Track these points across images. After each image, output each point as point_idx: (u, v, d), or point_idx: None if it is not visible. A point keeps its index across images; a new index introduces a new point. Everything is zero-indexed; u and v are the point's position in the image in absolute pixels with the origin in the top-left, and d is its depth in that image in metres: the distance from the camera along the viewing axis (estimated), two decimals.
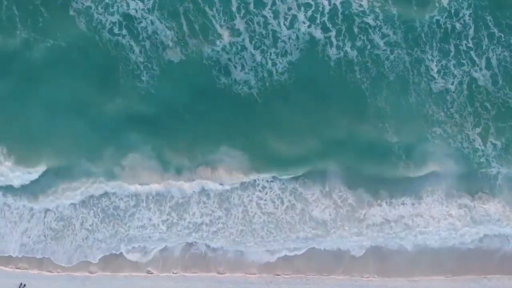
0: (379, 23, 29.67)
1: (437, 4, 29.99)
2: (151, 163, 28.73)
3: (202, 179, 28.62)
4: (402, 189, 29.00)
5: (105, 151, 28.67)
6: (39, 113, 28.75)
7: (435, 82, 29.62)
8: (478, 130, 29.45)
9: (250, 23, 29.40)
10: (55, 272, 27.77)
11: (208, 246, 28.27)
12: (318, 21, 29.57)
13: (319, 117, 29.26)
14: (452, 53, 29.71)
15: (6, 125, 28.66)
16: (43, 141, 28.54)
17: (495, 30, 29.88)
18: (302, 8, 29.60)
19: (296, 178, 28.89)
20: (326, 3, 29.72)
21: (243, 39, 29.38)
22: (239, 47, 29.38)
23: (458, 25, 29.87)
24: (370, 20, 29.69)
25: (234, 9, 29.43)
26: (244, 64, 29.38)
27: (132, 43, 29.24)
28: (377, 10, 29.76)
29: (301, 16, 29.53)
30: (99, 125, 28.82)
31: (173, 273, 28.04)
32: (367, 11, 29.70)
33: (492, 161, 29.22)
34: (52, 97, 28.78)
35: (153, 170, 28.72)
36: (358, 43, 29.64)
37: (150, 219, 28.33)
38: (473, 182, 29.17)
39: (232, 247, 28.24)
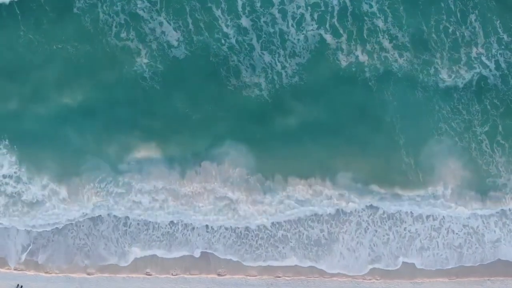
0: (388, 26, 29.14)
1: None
2: (156, 160, 28.23)
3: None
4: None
5: (110, 148, 28.17)
6: (41, 111, 28.26)
7: (443, 81, 29.01)
8: (486, 128, 28.85)
9: (257, 21, 28.89)
10: (52, 273, 27.41)
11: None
12: (328, 23, 29.00)
13: (329, 119, 28.75)
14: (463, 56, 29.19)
15: (9, 125, 28.22)
16: (47, 143, 28.04)
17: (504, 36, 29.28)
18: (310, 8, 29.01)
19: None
20: (335, 2, 29.06)
21: (251, 38, 28.88)
22: (248, 47, 28.83)
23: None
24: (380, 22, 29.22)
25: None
26: (254, 65, 28.79)
27: (137, 43, 28.76)
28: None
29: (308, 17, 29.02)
30: (102, 122, 28.32)
31: (172, 274, 27.66)
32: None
33: (501, 168, 28.59)
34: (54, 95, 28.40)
35: (158, 167, 28.19)
36: (368, 46, 29.02)
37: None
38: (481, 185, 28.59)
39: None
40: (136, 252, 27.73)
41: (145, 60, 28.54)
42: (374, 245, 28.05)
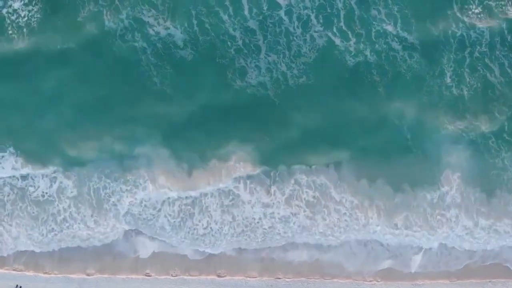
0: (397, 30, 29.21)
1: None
2: (163, 158, 28.17)
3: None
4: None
5: (117, 147, 28.10)
6: (47, 114, 28.18)
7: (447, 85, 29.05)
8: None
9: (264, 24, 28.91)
10: (52, 274, 27.25)
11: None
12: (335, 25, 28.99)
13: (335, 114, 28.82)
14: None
15: (12, 127, 28.06)
16: (53, 142, 28.00)
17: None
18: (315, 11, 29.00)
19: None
20: (340, 5, 29.03)
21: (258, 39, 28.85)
22: (253, 48, 28.76)
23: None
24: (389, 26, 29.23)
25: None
26: (259, 66, 28.68)
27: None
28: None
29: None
30: (110, 122, 28.30)
31: (172, 275, 27.54)
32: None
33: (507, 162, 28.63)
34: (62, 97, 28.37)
35: (164, 165, 28.13)
36: (376, 46, 29.04)
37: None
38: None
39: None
40: (144, 242, 27.71)
41: (152, 60, 28.60)
42: (387, 244, 28.07)
